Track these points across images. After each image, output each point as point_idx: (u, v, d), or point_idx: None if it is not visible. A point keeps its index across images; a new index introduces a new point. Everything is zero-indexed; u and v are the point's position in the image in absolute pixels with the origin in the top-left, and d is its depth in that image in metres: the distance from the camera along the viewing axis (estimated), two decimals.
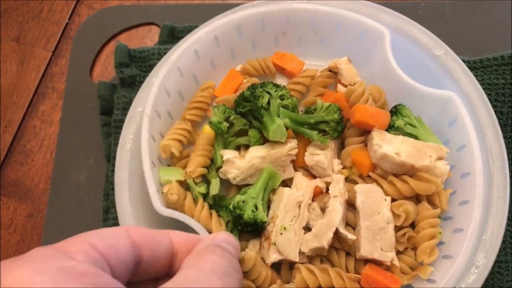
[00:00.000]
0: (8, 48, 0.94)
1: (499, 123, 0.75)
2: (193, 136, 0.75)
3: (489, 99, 0.76)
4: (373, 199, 0.64)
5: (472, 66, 0.79)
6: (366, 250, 0.63)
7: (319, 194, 0.69)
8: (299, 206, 0.66)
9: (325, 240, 0.63)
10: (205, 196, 0.70)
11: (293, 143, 0.69)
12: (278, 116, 0.69)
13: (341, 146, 0.73)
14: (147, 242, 0.42)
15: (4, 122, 0.87)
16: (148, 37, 0.93)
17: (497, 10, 0.87)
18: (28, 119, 0.89)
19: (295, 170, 0.71)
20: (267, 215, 0.67)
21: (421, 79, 0.74)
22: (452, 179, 0.68)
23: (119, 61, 0.84)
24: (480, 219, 0.61)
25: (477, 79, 0.77)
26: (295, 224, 0.65)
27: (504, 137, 0.75)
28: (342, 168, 0.70)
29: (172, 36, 0.89)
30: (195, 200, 0.68)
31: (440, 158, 0.66)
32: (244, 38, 0.77)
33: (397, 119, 0.69)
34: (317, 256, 0.67)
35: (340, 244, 0.67)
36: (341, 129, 0.69)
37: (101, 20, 0.93)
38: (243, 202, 0.65)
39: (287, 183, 0.71)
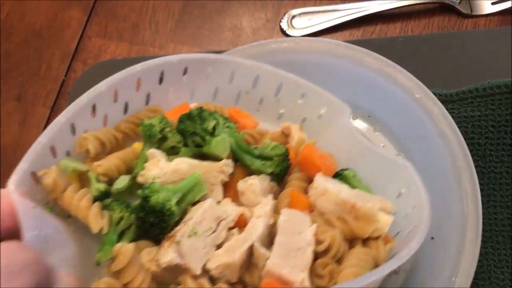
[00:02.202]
0: (10, 107, 0.99)
1: (478, 154, 0.78)
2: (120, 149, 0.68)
3: (466, 132, 0.79)
4: (297, 222, 0.59)
5: (449, 100, 0.82)
6: (274, 262, 0.55)
7: (244, 226, 0.62)
8: (219, 224, 0.59)
9: (238, 254, 0.55)
10: (107, 194, 0.61)
11: (229, 160, 0.65)
12: None
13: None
14: None
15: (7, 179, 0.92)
16: None
17: (473, 41, 0.89)
18: None
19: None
20: (180, 221, 0.59)
21: (404, 122, 0.79)
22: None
23: None
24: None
25: (454, 112, 0.80)
26: (208, 237, 0.57)
27: (483, 167, 0.78)
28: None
29: None
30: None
31: (383, 211, 0.63)
32: (209, 83, 0.76)
33: (345, 170, 0.67)
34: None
35: (250, 277, 0.58)
36: (285, 166, 0.66)
37: (95, 75, 0.97)
38: (156, 191, 0.57)
39: None
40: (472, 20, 0.93)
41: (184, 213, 0.60)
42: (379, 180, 0.67)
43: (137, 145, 0.67)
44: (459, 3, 0.93)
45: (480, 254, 0.72)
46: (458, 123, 0.78)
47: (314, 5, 0.97)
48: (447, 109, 0.77)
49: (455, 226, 0.68)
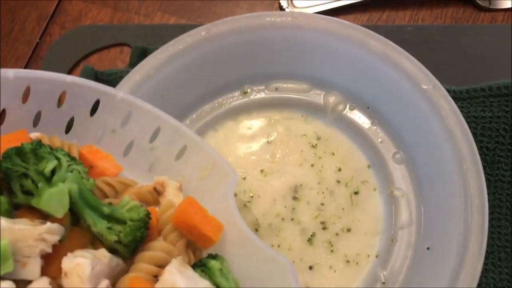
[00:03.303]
0: None
1: (485, 159, 0.70)
2: None
3: (475, 134, 0.71)
4: None
5: (458, 97, 0.74)
6: None
7: None
8: None
9: None
10: None
11: (55, 225, 0.47)
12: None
13: None
14: None
15: None
16: (120, 59, 0.88)
17: (489, 37, 0.82)
18: None
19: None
20: None
21: (407, 116, 0.70)
22: None
23: None
24: None
25: (463, 111, 0.72)
26: None
27: (490, 175, 0.70)
28: None
29: (143, 58, 0.84)
30: None
31: None
32: (62, 111, 0.60)
33: (212, 260, 0.53)
34: None
35: None
36: (139, 236, 0.51)
37: (72, 41, 0.89)
38: None
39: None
40: (490, 14, 0.85)
41: None
42: (253, 276, 0.54)
43: None
44: None
45: None
46: (467, 124, 0.69)
47: None
48: None
49: (455, 237, 0.60)
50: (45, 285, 0.46)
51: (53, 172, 0.49)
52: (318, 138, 0.75)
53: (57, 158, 0.50)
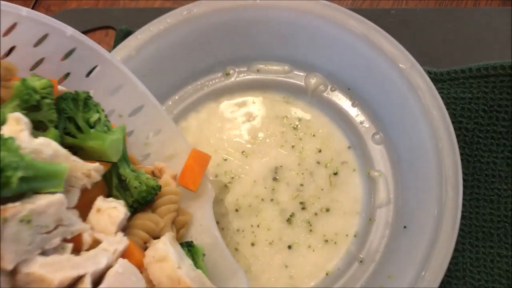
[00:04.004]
0: None
1: (464, 140, 0.70)
2: None
3: (454, 115, 0.71)
4: (130, 282, 0.49)
5: (439, 78, 0.74)
6: None
7: (79, 248, 0.50)
8: (56, 228, 0.47)
9: (60, 276, 0.45)
10: None
11: (101, 166, 0.52)
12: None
13: None
14: None
15: None
16: (105, 42, 0.88)
17: (470, 20, 0.82)
18: None
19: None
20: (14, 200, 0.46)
21: (386, 96, 0.70)
22: None
23: None
24: None
25: (443, 92, 0.72)
26: (39, 235, 0.45)
27: (469, 156, 0.70)
28: None
29: None
30: None
31: None
32: (89, 81, 0.61)
33: (197, 244, 0.58)
34: None
35: None
36: (149, 199, 0.56)
37: None
38: (8, 150, 0.43)
39: None
40: None
41: (20, 196, 0.45)
42: (217, 278, 0.57)
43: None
44: None
45: (457, 250, 0.65)
46: (446, 105, 0.69)
47: None
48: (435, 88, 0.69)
49: (430, 215, 0.61)
50: (76, 214, 0.50)
51: (94, 123, 0.55)
52: (299, 120, 0.76)
53: (98, 112, 0.56)
